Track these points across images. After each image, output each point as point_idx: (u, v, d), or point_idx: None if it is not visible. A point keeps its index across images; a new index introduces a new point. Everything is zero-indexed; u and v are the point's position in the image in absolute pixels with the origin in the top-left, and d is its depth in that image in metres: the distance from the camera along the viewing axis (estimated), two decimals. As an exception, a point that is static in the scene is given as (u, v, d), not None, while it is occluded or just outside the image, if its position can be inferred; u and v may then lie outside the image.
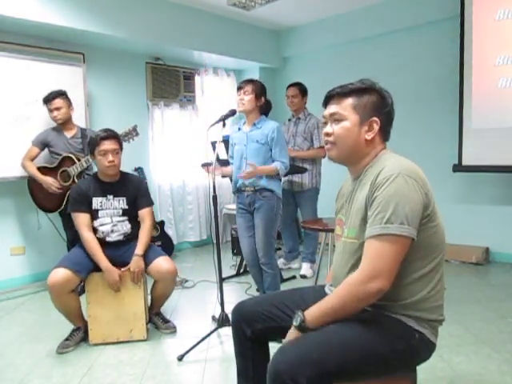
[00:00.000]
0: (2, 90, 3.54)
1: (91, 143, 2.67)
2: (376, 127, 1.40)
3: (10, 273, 3.78)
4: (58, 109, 3.47)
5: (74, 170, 3.41)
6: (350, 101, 1.40)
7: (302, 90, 3.98)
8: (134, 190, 2.77)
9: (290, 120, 4.11)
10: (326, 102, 1.48)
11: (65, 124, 3.52)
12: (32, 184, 3.55)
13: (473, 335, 2.60)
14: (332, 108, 1.44)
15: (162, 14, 4.33)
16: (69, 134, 3.53)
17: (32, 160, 3.50)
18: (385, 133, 1.44)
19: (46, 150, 3.56)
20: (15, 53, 3.66)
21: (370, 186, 1.32)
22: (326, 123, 1.47)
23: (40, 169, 3.49)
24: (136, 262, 2.64)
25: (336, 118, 1.42)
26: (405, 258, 1.30)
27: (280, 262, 4.14)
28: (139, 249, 2.68)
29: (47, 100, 3.47)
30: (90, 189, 2.70)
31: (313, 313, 1.34)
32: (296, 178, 3.98)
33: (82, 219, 2.65)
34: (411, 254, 1.30)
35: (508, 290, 3.44)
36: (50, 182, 3.42)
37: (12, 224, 3.83)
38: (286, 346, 1.29)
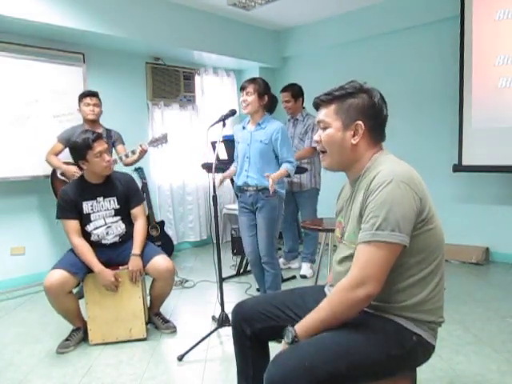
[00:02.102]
0: (2, 90, 3.54)
1: (80, 148, 2.57)
2: (361, 131, 1.38)
3: (9, 273, 3.78)
4: (96, 105, 3.51)
5: None
6: (333, 107, 1.40)
7: (294, 94, 3.95)
8: (123, 188, 2.75)
9: (289, 121, 4.10)
10: (316, 108, 1.48)
11: (94, 123, 3.54)
12: (54, 178, 3.57)
13: (473, 335, 2.60)
14: (319, 115, 1.45)
15: (162, 14, 4.33)
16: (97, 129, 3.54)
17: (56, 155, 3.52)
18: (376, 134, 1.41)
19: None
20: (15, 53, 3.66)
21: (365, 191, 1.32)
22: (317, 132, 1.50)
23: (65, 164, 3.52)
24: (134, 262, 2.64)
25: (322, 126, 1.43)
26: (403, 262, 1.29)
27: (279, 261, 4.13)
28: (136, 248, 2.67)
29: (87, 95, 3.49)
30: (78, 194, 2.66)
31: (304, 326, 1.32)
32: (295, 178, 3.97)
33: (70, 226, 2.63)
34: (409, 257, 1.30)
35: (508, 289, 3.44)
36: (74, 170, 3.41)
37: (12, 224, 3.82)
38: (279, 358, 1.27)
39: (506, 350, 2.39)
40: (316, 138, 1.46)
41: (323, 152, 1.45)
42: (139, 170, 4.48)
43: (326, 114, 1.42)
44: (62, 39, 3.98)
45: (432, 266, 1.32)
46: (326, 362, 1.23)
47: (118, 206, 2.73)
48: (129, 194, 2.76)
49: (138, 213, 2.79)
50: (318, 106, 1.46)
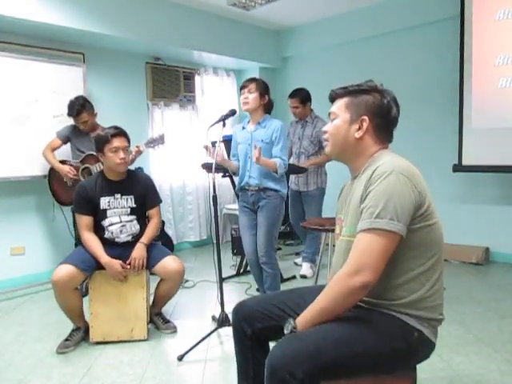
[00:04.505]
0: (2, 90, 3.54)
1: (100, 140, 2.62)
2: (365, 125, 1.42)
3: (9, 273, 3.78)
4: (84, 122, 3.49)
5: (96, 168, 3.44)
6: (344, 100, 1.47)
7: (302, 100, 3.97)
8: (142, 189, 2.76)
9: (297, 122, 4.12)
10: (331, 101, 1.54)
11: (91, 129, 3.55)
12: (51, 176, 3.58)
13: (473, 335, 2.60)
14: (332, 107, 1.51)
15: (162, 13, 4.34)
16: (93, 134, 3.53)
17: (53, 151, 3.55)
18: (381, 133, 1.45)
19: (69, 144, 3.61)
20: (15, 53, 3.66)
21: (365, 184, 1.35)
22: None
23: (61, 163, 3.53)
24: (139, 249, 2.63)
25: (331, 117, 1.50)
26: (401, 256, 1.31)
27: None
28: (144, 238, 2.69)
29: (73, 115, 3.45)
30: (96, 189, 2.68)
31: (303, 318, 1.35)
32: (302, 177, 4.00)
33: (84, 221, 2.65)
34: (408, 252, 1.31)
35: (508, 289, 3.44)
36: (67, 170, 3.47)
37: (12, 224, 3.82)
38: (283, 341, 1.29)
39: (505, 350, 2.39)
40: (324, 128, 1.53)
41: (326, 140, 1.52)
42: (139, 170, 4.47)
43: (337, 106, 1.48)
44: (62, 39, 3.98)
45: (430, 262, 1.34)
46: (331, 348, 1.25)
47: (134, 205, 2.74)
48: (146, 194, 2.78)
49: (154, 213, 2.81)
50: (332, 98, 1.53)
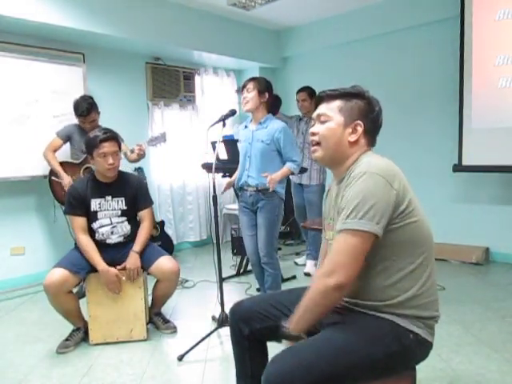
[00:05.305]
0: (2, 90, 3.54)
1: (90, 144, 2.58)
2: (360, 130, 1.42)
3: (9, 273, 3.78)
4: (92, 122, 3.47)
5: None
6: (337, 103, 1.44)
7: (311, 94, 4.05)
8: (133, 190, 2.74)
9: (301, 119, 4.19)
10: (317, 103, 1.51)
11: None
12: (52, 176, 3.57)
13: (473, 335, 2.60)
14: (320, 109, 1.48)
15: (162, 13, 4.34)
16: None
17: (55, 151, 3.53)
18: (370, 138, 1.46)
19: (68, 144, 3.61)
20: (15, 53, 3.66)
21: (346, 185, 1.36)
22: (314, 125, 1.51)
23: (63, 163, 3.52)
24: (132, 259, 2.62)
25: (322, 119, 1.46)
26: (390, 256, 1.31)
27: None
28: (137, 246, 2.66)
29: (83, 114, 3.42)
30: (88, 190, 2.65)
31: (293, 317, 1.36)
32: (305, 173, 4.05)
33: (77, 223, 2.62)
34: (395, 251, 1.32)
35: (508, 289, 3.44)
36: (66, 183, 3.42)
37: (12, 224, 3.82)
38: (278, 357, 1.28)
39: (505, 350, 2.39)
40: (314, 129, 1.48)
41: (317, 144, 1.47)
42: (139, 170, 4.47)
43: (329, 108, 1.45)
44: (62, 39, 3.98)
45: (420, 259, 1.34)
46: (325, 362, 1.24)
47: (125, 207, 2.71)
48: (137, 195, 2.75)
49: (145, 215, 2.77)
50: (320, 100, 1.49)
